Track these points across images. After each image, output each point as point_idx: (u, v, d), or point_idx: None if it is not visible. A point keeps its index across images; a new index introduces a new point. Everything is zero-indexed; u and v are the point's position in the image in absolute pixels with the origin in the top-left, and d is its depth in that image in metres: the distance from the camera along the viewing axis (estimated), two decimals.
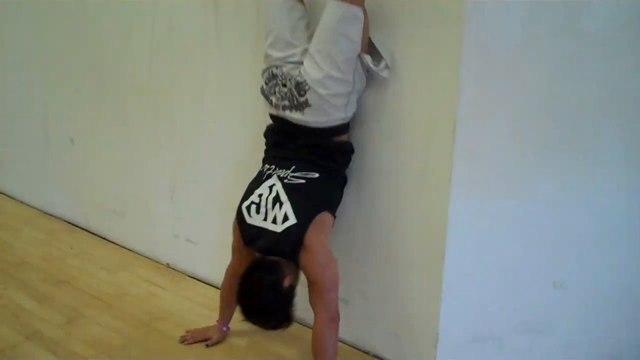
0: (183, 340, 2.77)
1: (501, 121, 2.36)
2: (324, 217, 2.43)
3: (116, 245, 3.73)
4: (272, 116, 2.58)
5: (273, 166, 2.51)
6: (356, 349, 2.75)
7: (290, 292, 2.39)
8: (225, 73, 3.02)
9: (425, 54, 2.36)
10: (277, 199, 2.41)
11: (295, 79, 2.41)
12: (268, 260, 2.40)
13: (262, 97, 2.59)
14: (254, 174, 2.57)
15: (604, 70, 2.40)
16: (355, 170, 2.62)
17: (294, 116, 2.45)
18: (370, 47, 2.42)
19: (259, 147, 2.68)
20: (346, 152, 2.54)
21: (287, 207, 2.39)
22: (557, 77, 2.37)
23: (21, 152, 4.36)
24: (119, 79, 3.56)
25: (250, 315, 2.40)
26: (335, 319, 2.41)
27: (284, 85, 2.45)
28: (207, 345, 2.74)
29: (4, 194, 4.52)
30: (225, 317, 2.78)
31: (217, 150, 3.15)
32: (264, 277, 2.37)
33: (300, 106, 2.42)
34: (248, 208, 2.46)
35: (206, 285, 3.28)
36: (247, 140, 2.96)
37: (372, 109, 2.53)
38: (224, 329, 2.78)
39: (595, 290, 2.55)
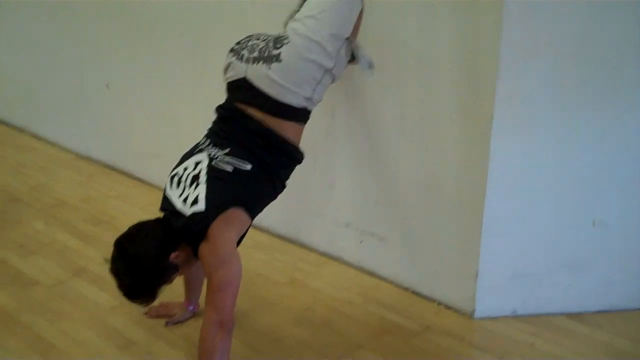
0: (147, 312, 2.56)
1: (543, 62, 2.35)
2: (237, 213, 2.17)
3: (152, 187, 3.77)
4: (228, 86, 2.35)
5: (209, 141, 2.28)
6: (396, 285, 2.79)
7: (170, 268, 2.16)
8: (261, 15, 3.01)
9: None
10: (196, 178, 2.18)
11: (275, 36, 2.28)
12: (171, 226, 2.18)
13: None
14: None
15: None
16: (395, 110, 2.63)
17: (258, 70, 2.21)
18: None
19: None
20: (287, 154, 2.30)
21: (201, 190, 2.15)
22: (599, 19, 2.33)
23: (58, 97, 4.40)
24: (154, 23, 3.56)
25: (117, 257, 2.15)
26: (224, 325, 2.09)
27: (262, 40, 2.27)
28: (167, 324, 2.52)
29: (42, 138, 4.57)
30: (190, 296, 2.54)
31: None
32: (158, 233, 2.17)
33: (270, 59, 2.20)
34: (172, 178, 2.27)
35: None
36: None
37: (412, 49, 2.53)
38: (191, 308, 2.54)
39: (634, 228, 2.56)
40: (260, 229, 3.25)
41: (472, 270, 2.52)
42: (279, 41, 2.23)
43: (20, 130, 4.73)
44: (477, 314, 2.56)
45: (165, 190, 2.28)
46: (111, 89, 3.95)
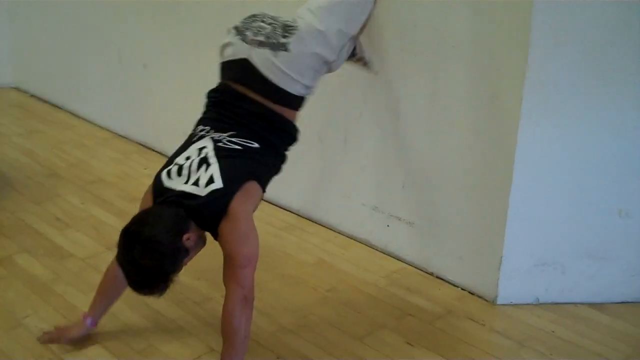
0: (40, 337, 2.35)
1: (572, 49, 2.36)
2: (253, 186, 2.15)
3: None
4: (226, 65, 2.32)
5: (208, 127, 2.23)
6: (420, 270, 2.83)
7: (182, 251, 2.06)
8: None
9: None
10: (204, 160, 2.12)
11: (283, 22, 2.26)
12: (179, 208, 2.08)
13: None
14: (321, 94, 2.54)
15: None
16: (426, 94, 2.66)
17: (262, 54, 2.20)
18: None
19: None
20: (288, 133, 2.31)
21: (215, 169, 2.09)
22: (629, 5, 2.34)
23: (96, 77, 4.50)
24: (192, 6, 3.63)
25: (130, 245, 2.01)
26: (249, 299, 2.11)
27: (267, 23, 2.26)
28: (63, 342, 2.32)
29: (80, 116, 4.68)
30: (96, 308, 2.34)
31: None
32: (168, 215, 2.06)
33: (277, 47, 2.20)
34: (169, 171, 2.15)
35: (273, 206, 3.38)
36: None
37: (445, 34, 2.55)
38: (89, 321, 2.33)
39: None
40: (289, 210, 3.32)
41: (496, 256, 2.55)
42: (287, 30, 2.23)
43: (59, 107, 4.85)
44: (500, 300, 2.59)
45: (162, 185, 2.14)
46: (148, 69, 4.03)
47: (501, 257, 2.54)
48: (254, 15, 2.33)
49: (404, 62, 2.70)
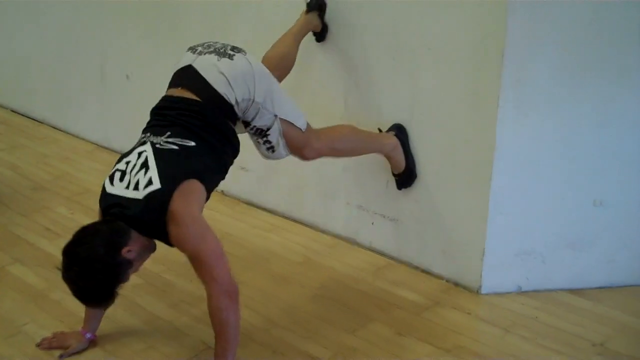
0: (39, 344, 2.42)
1: (548, 45, 2.48)
2: (193, 184, 2.14)
3: None
4: (172, 77, 2.40)
5: (148, 134, 2.26)
6: (406, 264, 2.93)
7: (125, 265, 2.10)
8: (278, 5, 3.15)
9: None
10: (144, 164, 2.13)
11: (234, 46, 2.39)
12: (116, 221, 2.12)
13: None
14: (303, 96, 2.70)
15: None
16: (406, 95, 2.76)
17: (207, 59, 2.30)
18: None
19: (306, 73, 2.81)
20: (226, 135, 2.30)
21: (153, 172, 2.10)
22: (604, 3, 2.46)
23: (78, 89, 4.55)
24: (175, 15, 3.71)
25: (70, 266, 2.08)
26: (230, 292, 2.13)
27: (221, 44, 2.39)
28: (61, 356, 2.36)
29: (63, 130, 4.72)
30: (88, 322, 2.42)
31: None
32: (105, 230, 2.09)
33: (223, 54, 2.31)
34: (112, 177, 2.19)
35: (259, 210, 3.46)
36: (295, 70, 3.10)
37: (421, 37, 2.66)
38: (88, 335, 2.41)
39: (635, 207, 2.69)
40: (276, 212, 3.40)
41: (479, 248, 2.65)
42: (237, 49, 2.37)
43: (42, 122, 4.88)
44: (484, 290, 2.69)
45: (104, 190, 2.20)
46: (131, 80, 4.10)
47: (483, 249, 2.64)
48: (208, 41, 2.44)
49: (384, 64, 2.80)
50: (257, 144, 2.48)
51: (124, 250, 2.08)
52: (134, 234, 2.11)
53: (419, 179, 2.80)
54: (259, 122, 2.38)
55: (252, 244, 3.10)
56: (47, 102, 4.86)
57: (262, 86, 2.34)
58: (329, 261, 2.97)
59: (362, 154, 2.79)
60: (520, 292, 2.70)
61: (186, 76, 2.33)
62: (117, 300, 2.52)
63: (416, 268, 2.89)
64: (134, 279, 2.74)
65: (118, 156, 3.48)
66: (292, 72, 2.85)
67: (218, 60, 2.30)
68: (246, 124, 2.40)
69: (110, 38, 4.19)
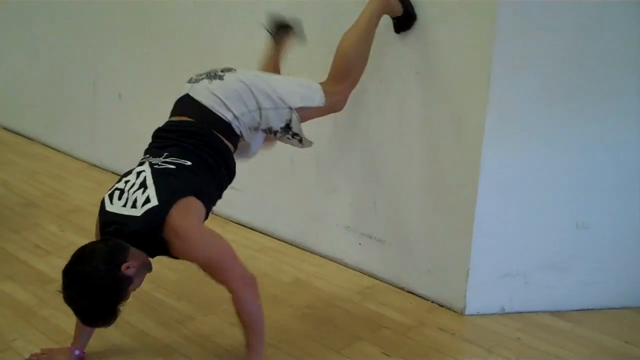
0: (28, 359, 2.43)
1: (532, 73, 2.55)
2: (190, 201, 2.19)
3: None
4: (173, 107, 2.51)
5: (148, 155, 2.35)
6: (391, 285, 2.98)
7: (124, 280, 2.12)
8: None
9: (463, 11, 2.54)
10: (143, 184, 2.20)
11: (226, 68, 2.49)
12: (113, 239, 2.16)
13: None
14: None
15: (629, 24, 2.57)
16: (394, 118, 2.83)
17: (200, 84, 2.41)
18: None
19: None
20: (222, 157, 2.37)
21: (151, 191, 2.16)
22: (585, 31, 2.55)
23: (70, 108, 4.60)
24: (167, 35, 3.78)
25: (71, 285, 2.11)
26: (249, 283, 2.23)
27: (212, 70, 2.49)
28: None
29: (54, 148, 4.76)
30: (78, 339, 2.44)
31: None
32: (103, 248, 2.13)
33: (214, 76, 2.42)
34: (111, 195, 2.25)
35: (248, 229, 3.51)
36: None
37: (411, 61, 2.73)
38: (77, 352, 2.42)
39: (615, 231, 2.75)
40: (264, 232, 3.45)
41: (464, 269, 2.71)
42: (227, 69, 2.47)
43: (33, 139, 4.92)
44: (468, 311, 2.74)
45: (103, 209, 2.24)
46: (123, 99, 4.15)
47: (468, 270, 2.70)
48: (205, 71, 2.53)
49: (372, 88, 2.86)
50: (289, 141, 2.58)
51: (124, 267, 2.11)
52: (133, 251, 2.14)
53: (405, 201, 2.86)
54: (279, 122, 2.47)
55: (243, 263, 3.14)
56: (39, 119, 4.91)
57: (262, 92, 2.42)
58: (318, 281, 3.02)
59: (373, 36, 2.65)
60: (504, 314, 2.75)
61: (183, 104, 2.45)
62: None
63: (402, 288, 2.94)
64: None
65: (109, 174, 3.61)
66: None
67: (209, 82, 2.42)
68: (269, 130, 2.49)
69: (102, 56, 4.25)
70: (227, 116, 2.38)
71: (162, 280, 2.97)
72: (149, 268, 2.25)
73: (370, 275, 3.05)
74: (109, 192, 2.27)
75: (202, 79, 2.45)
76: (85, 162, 4.50)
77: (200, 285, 2.93)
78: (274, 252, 3.29)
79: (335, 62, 2.60)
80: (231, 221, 3.60)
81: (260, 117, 2.44)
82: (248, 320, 2.25)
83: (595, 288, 2.79)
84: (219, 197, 2.42)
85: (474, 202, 2.63)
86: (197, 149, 2.31)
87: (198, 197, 2.22)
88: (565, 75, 2.59)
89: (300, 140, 2.56)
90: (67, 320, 2.64)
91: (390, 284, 2.98)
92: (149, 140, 3.92)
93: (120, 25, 4.07)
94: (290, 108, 2.46)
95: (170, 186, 2.19)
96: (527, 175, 2.66)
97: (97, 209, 3.62)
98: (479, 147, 2.57)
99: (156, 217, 2.12)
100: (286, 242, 3.37)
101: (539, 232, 2.71)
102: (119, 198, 2.21)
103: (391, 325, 2.69)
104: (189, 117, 2.40)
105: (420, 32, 2.68)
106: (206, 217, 2.29)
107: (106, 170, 4.35)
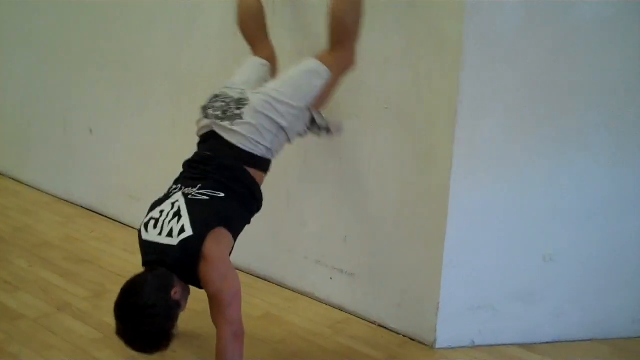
0: None
1: (499, 107, 2.60)
2: (222, 232, 2.33)
3: (133, 229, 3.92)
4: (200, 138, 2.59)
5: (180, 185, 2.45)
6: (362, 319, 2.98)
7: (175, 306, 2.27)
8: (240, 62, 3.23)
9: (430, 46, 2.59)
10: (177, 214, 2.32)
11: (237, 96, 2.52)
12: (158, 268, 2.28)
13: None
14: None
15: (593, 60, 2.64)
16: (364, 154, 2.85)
17: (222, 125, 2.47)
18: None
19: None
20: (251, 192, 2.49)
21: (185, 220, 2.29)
22: (550, 66, 2.61)
23: (40, 142, 4.57)
24: (139, 69, 3.79)
25: (126, 318, 2.23)
26: (238, 334, 2.32)
27: (224, 102, 2.53)
28: None
29: (24, 183, 4.73)
30: None
31: None
32: (151, 279, 2.25)
33: (232, 117, 2.46)
34: (146, 225, 2.36)
35: None
36: None
37: (380, 96, 2.77)
38: None
39: (582, 262, 2.78)
40: (234, 266, 3.42)
41: (434, 303, 2.72)
42: (240, 102, 2.50)
43: (1, 174, 4.88)
44: (438, 345, 2.74)
45: (141, 239, 2.36)
46: (94, 134, 4.14)
47: (438, 303, 2.71)
48: (216, 95, 2.58)
49: (342, 121, 2.88)
50: (319, 134, 2.66)
51: (173, 292, 2.25)
52: (175, 277, 2.27)
53: (375, 234, 2.88)
54: (303, 125, 2.57)
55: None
56: (8, 153, 4.88)
57: (280, 113, 2.47)
58: (289, 315, 3.01)
59: None
60: (473, 347, 2.76)
61: (215, 142, 2.50)
62: (75, 354, 2.59)
63: (373, 322, 2.94)
64: (92, 332, 2.79)
65: (79, 209, 3.56)
66: None
67: (232, 125, 2.46)
68: (299, 135, 2.60)
69: (73, 91, 4.24)
70: (258, 152, 2.48)
71: None
72: (188, 291, 2.36)
73: (341, 309, 3.05)
74: (145, 221, 2.38)
75: (220, 119, 2.49)
76: (54, 196, 4.46)
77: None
78: (244, 286, 3.16)
79: (332, 31, 2.59)
80: None
81: (287, 134, 2.52)
82: None
83: (564, 320, 2.81)
84: (248, 222, 2.53)
85: (444, 235, 2.66)
86: (230, 182, 2.42)
87: (228, 228, 2.36)
88: (530, 107, 2.64)
89: (328, 130, 2.64)
90: (35, 357, 2.62)
91: (361, 318, 2.98)
92: (120, 174, 4.00)
93: (92, 60, 4.07)
94: (307, 108, 2.54)
95: (203, 216, 2.30)
96: (495, 207, 2.69)
97: (65, 244, 3.68)
98: (447, 180, 2.61)
99: (193, 247, 2.25)
100: (256, 276, 3.36)
101: (508, 264, 2.74)
102: (154, 227, 2.33)
103: (362, 359, 2.69)
104: (224, 154, 2.47)
105: (389, 67, 2.72)
106: (233, 247, 2.44)
107: (76, 204, 4.32)
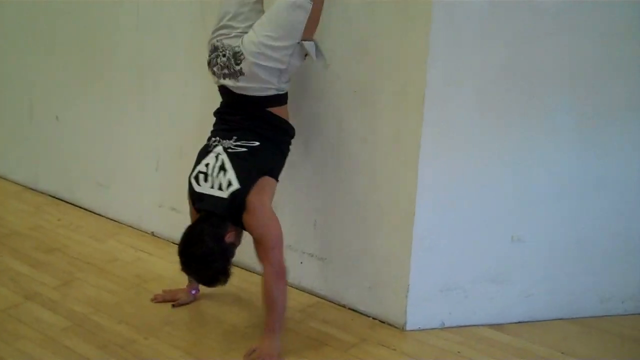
0: (154, 298, 2.99)
1: (467, 90, 2.61)
2: (265, 181, 2.61)
3: (101, 217, 3.92)
4: (218, 89, 2.76)
5: (218, 138, 2.68)
6: (333, 303, 2.99)
7: (230, 247, 2.58)
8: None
9: (397, 29, 2.60)
10: (222, 167, 2.59)
11: (233, 49, 2.60)
12: (213, 216, 2.57)
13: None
14: None
15: (559, 44, 2.66)
16: (332, 137, 2.85)
17: (231, 84, 2.64)
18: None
19: None
20: (281, 128, 2.71)
21: (231, 174, 2.56)
22: (517, 50, 2.63)
23: (6, 129, 4.51)
24: (104, 56, 3.75)
25: (189, 263, 2.56)
26: (280, 274, 2.59)
27: (224, 56, 2.63)
28: (173, 306, 2.94)
29: None
30: (193, 283, 2.97)
31: (200, 122, 3.33)
32: (207, 228, 2.55)
33: (236, 74, 2.61)
34: (197, 177, 2.64)
35: None
36: None
37: (347, 80, 2.77)
38: (193, 292, 2.98)
39: (550, 243, 2.82)
40: None
41: (404, 285, 2.74)
42: (237, 57, 2.60)
43: None
44: (409, 327, 2.77)
45: (192, 189, 2.65)
46: (60, 121, 4.09)
47: (408, 286, 2.73)
48: (215, 48, 2.68)
49: (310, 109, 2.89)
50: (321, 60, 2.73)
51: (227, 237, 2.56)
52: (228, 222, 2.57)
53: (345, 219, 2.89)
54: (301, 58, 2.64)
55: (184, 284, 3.11)
56: None
57: (276, 58, 2.56)
58: (259, 301, 2.98)
59: None
60: (444, 328, 2.79)
61: (231, 96, 2.69)
62: (45, 343, 2.60)
63: (343, 306, 2.95)
64: (62, 321, 2.77)
65: (46, 197, 3.52)
66: None
67: (237, 81, 2.63)
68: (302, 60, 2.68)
69: (39, 78, 4.19)
70: (271, 92, 2.64)
71: (101, 303, 2.94)
72: (241, 230, 2.63)
73: (312, 294, 3.06)
74: (194, 174, 2.66)
75: (226, 77, 2.64)
76: (22, 185, 4.41)
77: (140, 308, 2.93)
78: None
79: None
80: (172, 242, 3.55)
81: (289, 69, 2.62)
82: (268, 301, 2.58)
83: (533, 300, 2.84)
84: (284, 161, 2.75)
85: (413, 218, 2.67)
86: (260, 128, 2.65)
87: (270, 175, 2.63)
88: (498, 91, 2.65)
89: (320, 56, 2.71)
90: (6, 348, 2.61)
91: (332, 302, 2.99)
92: (88, 161, 3.96)
93: (57, 46, 4.01)
94: (298, 43, 2.58)
95: (247, 170, 2.57)
96: (464, 190, 2.71)
97: (34, 233, 3.64)
98: (415, 163, 2.62)
99: (239, 198, 2.53)
100: None
101: (477, 246, 2.76)
102: (205, 180, 2.61)
103: (333, 343, 2.70)
104: (239, 104, 2.68)
105: (357, 50, 2.72)
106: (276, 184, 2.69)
107: (43, 193, 4.27)
